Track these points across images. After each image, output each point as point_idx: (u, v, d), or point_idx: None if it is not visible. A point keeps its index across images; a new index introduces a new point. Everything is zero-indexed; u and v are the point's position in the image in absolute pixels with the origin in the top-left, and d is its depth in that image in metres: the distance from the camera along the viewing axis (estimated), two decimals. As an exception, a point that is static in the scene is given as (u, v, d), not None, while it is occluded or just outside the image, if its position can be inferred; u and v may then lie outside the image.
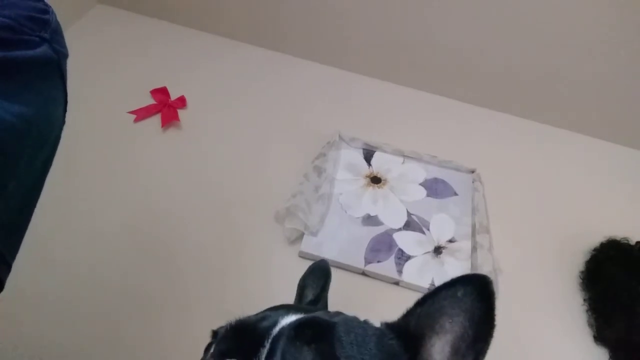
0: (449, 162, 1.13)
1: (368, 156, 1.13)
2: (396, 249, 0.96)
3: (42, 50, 0.41)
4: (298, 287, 0.58)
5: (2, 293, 0.39)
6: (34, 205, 0.44)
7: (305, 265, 0.93)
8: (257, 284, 0.90)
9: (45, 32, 0.42)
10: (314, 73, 1.33)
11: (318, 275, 0.58)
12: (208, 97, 1.22)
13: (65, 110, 0.47)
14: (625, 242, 0.97)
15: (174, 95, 1.20)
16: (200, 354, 0.84)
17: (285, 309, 0.37)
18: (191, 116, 1.17)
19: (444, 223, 1.02)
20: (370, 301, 0.89)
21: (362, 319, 0.38)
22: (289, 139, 1.15)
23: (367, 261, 0.94)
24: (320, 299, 0.55)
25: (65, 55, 0.45)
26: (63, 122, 0.47)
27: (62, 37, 0.45)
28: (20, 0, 0.41)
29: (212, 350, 0.36)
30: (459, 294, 0.33)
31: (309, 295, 0.55)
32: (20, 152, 0.38)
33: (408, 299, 0.99)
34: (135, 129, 1.13)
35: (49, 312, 0.82)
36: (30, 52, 0.39)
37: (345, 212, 1.01)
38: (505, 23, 1.13)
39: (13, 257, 0.40)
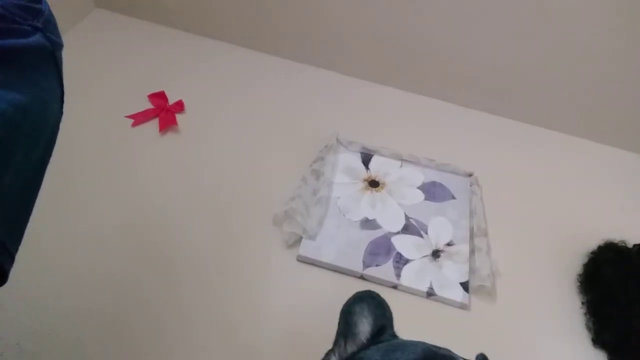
0: (447, 165, 1.13)
1: (366, 160, 1.13)
2: (394, 252, 0.96)
3: (35, 39, 0.40)
4: (343, 314, 0.49)
5: (1, 295, 0.39)
6: (34, 198, 0.43)
7: (304, 268, 0.93)
8: (255, 287, 0.90)
9: (38, 21, 0.41)
10: (311, 77, 1.34)
11: (370, 303, 0.50)
12: (206, 102, 1.23)
13: (62, 102, 0.46)
14: (623, 245, 0.97)
15: (171, 100, 1.20)
16: (198, 355, 0.84)
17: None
18: (189, 120, 1.17)
19: (442, 226, 1.02)
20: (368, 305, 0.89)
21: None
22: (287, 143, 1.16)
23: (366, 265, 0.94)
24: (385, 328, 0.48)
25: (60, 45, 0.44)
26: (61, 113, 0.46)
27: (55, 26, 0.44)
28: None
29: None
30: None
31: (361, 324, 0.48)
32: (15, 142, 0.37)
33: (406, 303, 1.00)
34: (133, 133, 1.13)
35: (48, 311, 0.82)
36: (22, 41, 0.39)
37: (344, 215, 1.01)
38: (504, 26, 1.13)
39: (16, 249, 0.40)
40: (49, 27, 0.42)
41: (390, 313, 0.48)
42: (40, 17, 0.41)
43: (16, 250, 0.40)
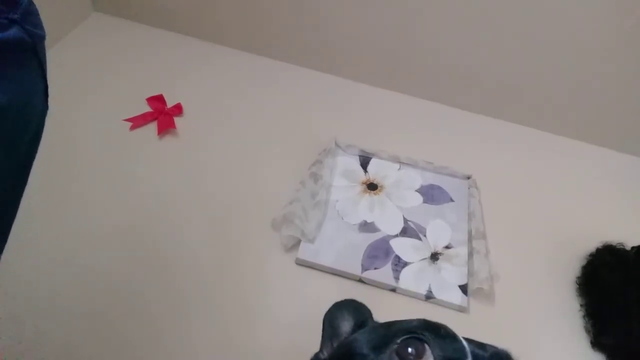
0: (445, 168, 1.13)
1: (364, 163, 1.13)
2: (393, 255, 0.96)
3: (13, 32, 0.38)
4: (326, 319, 0.51)
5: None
6: (19, 196, 0.42)
7: (302, 271, 0.93)
8: (254, 291, 0.90)
9: (15, 13, 0.38)
10: (310, 80, 1.34)
11: (348, 307, 0.52)
12: (204, 105, 1.23)
13: (46, 96, 0.44)
14: (621, 247, 0.97)
15: (170, 103, 1.20)
16: (196, 358, 0.84)
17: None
18: (187, 124, 1.17)
19: (440, 229, 1.02)
20: (367, 308, 0.89)
21: None
22: (286, 146, 1.16)
23: (364, 268, 0.94)
24: (366, 322, 0.49)
25: (41, 37, 0.41)
26: (46, 108, 0.44)
27: (37, 17, 0.41)
28: None
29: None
30: None
31: (343, 325, 0.50)
32: None
33: (405, 305, 0.99)
34: (131, 136, 1.13)
35: (47, 312, 0.82)
36: None
37: (342, 218, 1.01)
38: (500, 30, 1.13)
39: (1, 249, 0.39)
40: (29, 19, 0.40)
41: (369, 312, 0.50)
42: (18, 9, 0.38)
43: (1, 250, 0.39)
